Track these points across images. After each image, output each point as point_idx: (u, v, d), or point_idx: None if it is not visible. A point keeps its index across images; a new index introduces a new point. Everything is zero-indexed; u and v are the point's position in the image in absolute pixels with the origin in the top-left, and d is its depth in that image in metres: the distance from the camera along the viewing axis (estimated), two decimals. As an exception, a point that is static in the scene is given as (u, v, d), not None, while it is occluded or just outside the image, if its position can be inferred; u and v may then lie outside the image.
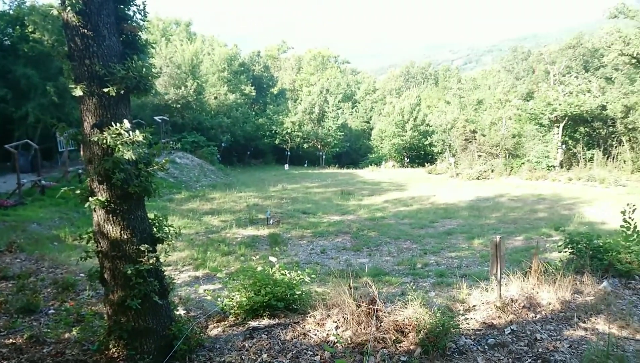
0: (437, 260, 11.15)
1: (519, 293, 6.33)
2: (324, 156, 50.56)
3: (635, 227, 8.36)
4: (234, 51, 57.86)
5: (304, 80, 68.08)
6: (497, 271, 5.98)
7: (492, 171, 32.62)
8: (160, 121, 32.06)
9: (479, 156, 35.39)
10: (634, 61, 27.64)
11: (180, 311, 6.09)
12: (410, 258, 11.23)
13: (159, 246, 5.08)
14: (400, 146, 49.77)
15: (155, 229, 5.01)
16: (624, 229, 8.40)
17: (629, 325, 5.79)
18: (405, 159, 49.70)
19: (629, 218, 8.28)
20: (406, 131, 49.13)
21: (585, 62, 40.70)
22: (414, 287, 6.78)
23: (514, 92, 40.62)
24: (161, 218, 5.14)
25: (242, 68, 57.06)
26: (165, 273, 5.31)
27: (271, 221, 15.43)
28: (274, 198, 21.87)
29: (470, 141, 36.76)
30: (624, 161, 29.39)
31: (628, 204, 8.43)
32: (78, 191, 4.67)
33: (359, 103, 65.95)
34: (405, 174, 37.82)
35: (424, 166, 42.15)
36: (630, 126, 29.37)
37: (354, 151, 56.29)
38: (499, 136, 34.72)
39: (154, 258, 4.69)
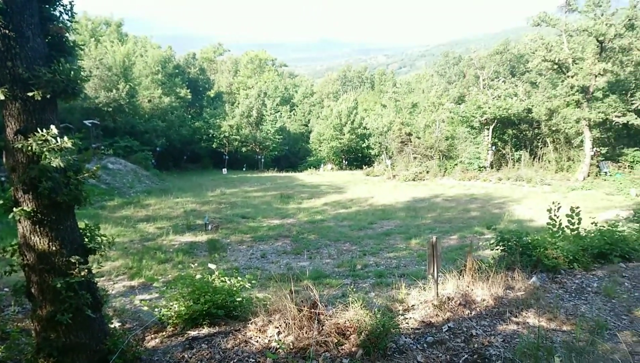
0: (376, 260, 11.31)
1: (455, 291, 6.54)
2: (262, 160, 50.32)
3: (560, 224, 8.85)
4: (169, 53, 56.61)
5: (241, 83, 67.50)
6: (434, 270, 6.14)
7: (427, 172, 33.61)
8: (90, 125, 30.76)
9: (415, 158, 36.35)
10: (555, 66, 29.29)
11: (115, 323, 5.85)
12: (350, 259, 11.33)
13: (90, 257, 4.86)
14: (339, 149, 50.29)
15: (86, 239, 4.79)
16: (550, 226, 8.88)
17: (556, 317, 6.11)
18: (344, 161, 50.28)
19: (555, 215, 8.76)
20: (344, 134, 49.70)
21: (512, 68, 42.89)
22: (354, 289, 6.86)
23: (447, 95, 42.04)
24: (93, 227, 4.91)
25: (177, 70, 55.92)
26: (98, 284, 5.08)
27: (210, 227, 15.14)
28: (213, 203, 21.49)
29: (406, 144, 37.68)
30: (549, 161, 31.09)
31: (553, 203, 8.92)
32: (1, 201, 4.39)
33: (297, 107, 66.13)
34: (344, 176, 38.27)
35: (362, 168, 42.86)
36: (553, 128, 31.11)
37: (292, 154, 56.36)
38: (433, 138, 35.82)
39: (86, 270, 4.47)
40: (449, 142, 36.54)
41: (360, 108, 56.49)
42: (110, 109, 36.45)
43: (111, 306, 7.14)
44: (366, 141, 47.29)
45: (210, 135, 48.76)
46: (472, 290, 6.58)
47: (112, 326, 5.39)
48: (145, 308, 6.43)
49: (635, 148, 29.27)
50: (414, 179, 32.45)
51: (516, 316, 6.08)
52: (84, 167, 4.55)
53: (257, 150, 50.67)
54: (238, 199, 23.53)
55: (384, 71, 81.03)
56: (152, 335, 5.84)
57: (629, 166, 28.48)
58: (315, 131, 54.04)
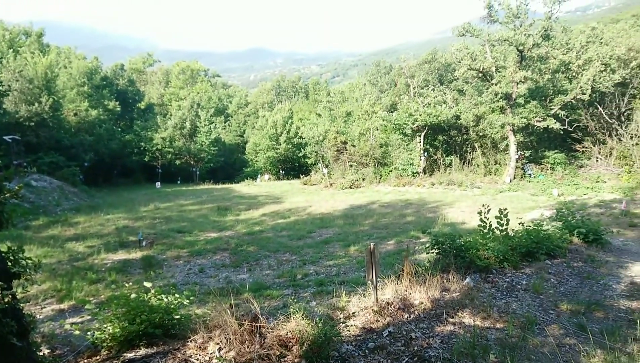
0: (316, 269, 11.33)
1: (393, 295, 6.66)
2: (198, 172, 49.39)
3: (490, 226, 9.24)
4: (95, 64, 54.58)
5: (173, 94, 66.16)
6: (372, 276, 6.23)
7: (363, 179, 34.16)
8: (10, 141, 29.04)
9: (351, 165, 36.85)
10: (480, 74, 30.71)
11: (44, 350, 5.52)
12: (290, 269, 11.29)
13: (15, 282, 4.56)
14: (275, 159, 50.26)
15: (9, 263, 4.49)
16: (481, 228, 9.24)
17: (490, 315, 6.36)
18: (281, 171, 50.25)
19: (485, 217, 9.14)
20: (280, 144, 49.77)
21: (440, 76, 44.56)
22: (295, 299, 6.84)
23: (380, 104, 42.96)
24: (16, 250, 4.62)
25: (105, 82, 53.99)
26: (25, 309, 4.78)
27: (144, 243, 14.64)
28: (146, 219, 20.81)
29: (341, 152, 38.16)
30: (478, 165, 32.46)
31: (483, 206, 9.30)
32: None
33: (232, 117, 65.60)
34: (282, 186, 38.21)
35: (299, 177, 42.92)
36: (480, 134, 32.57)
37: (229, 165, 55.71)
38: (368, 146, 36.48)
39: (10, 296, 4.19)
40: (383, 149, 37.33)
41: (295, 118, 56.81)
42: (33, 123, 34.59)
43: (39, 333, 6.73)
44: (302, 150, 47.53)
45: (142, 148, 47.38)
46: (410, 293, 6.73)
47: (41, 353, 5.09)
48: (77, 332, 6.09)
49: (556, 151, 31.17)
50: (350, 187, 32.87)
51: (452, 317, 6.26)
52: (5, 187, 4.28)
53: (192, 162, 49.72)
54: (173, 213, 22.93)
55: (318, 81, 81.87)
56: (85, 360, 5.55)
57: (550, 167, 30.25)
58: (251, 142, 53.78)
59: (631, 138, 27.96)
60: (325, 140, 40.15)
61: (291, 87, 77.64)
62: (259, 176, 48.32)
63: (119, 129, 51.30)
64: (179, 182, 47.06)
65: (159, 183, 42.29)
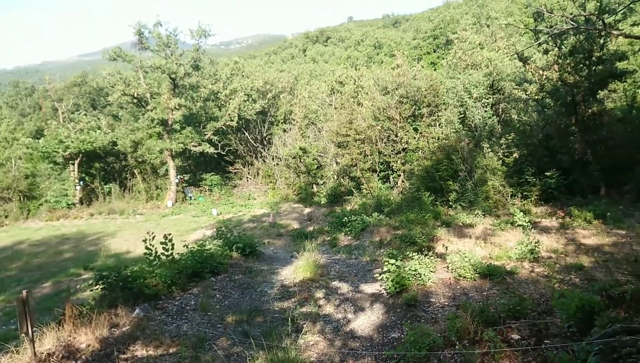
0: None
1: (55, 344, 5.98)
2: None
3: (156, 252, 9.27)
4: None
5: None
6: (27, 328, 5.46)
7: (7, 216, 29.51)
8: None
9: (-13, 201, 31.36)
10: (135, 100, 30.57)
11: None
12: None
13: None
14: None
15: None
16: (147, 256, 9.19)
17: (162, 343, 6.37)
18: None
19: (150, 244, 9.12)
20: None
21: (93, 100, 42.53)
22: None
23: (22, 130, 38.14)
24: None
25: None
26: None
27: None
28: None
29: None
30: (139, 192, 32.10)
31: (148, 233, 9.27)
32: None
33: None
34: None
35: None
36: (140, 159, 32.36)
37: None
38: (10, 178, 31.70)
39: None
40: (29, 181, 33.03)
41: None
42: None
43: None
44: None
45: None
46: (75, 338, 6.17)
47: None
48: None
49: (212, 173, 33.53)
50: (-10, 227, 27.97)
51: (124, 353, 6.02)
52: None
53: None
54: None
55: None
56: None
57: (208, 189, 32.34)
58: None
59: (272, 159, 32.32)
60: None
61: None
62: None
63: None
64: None
65: None
